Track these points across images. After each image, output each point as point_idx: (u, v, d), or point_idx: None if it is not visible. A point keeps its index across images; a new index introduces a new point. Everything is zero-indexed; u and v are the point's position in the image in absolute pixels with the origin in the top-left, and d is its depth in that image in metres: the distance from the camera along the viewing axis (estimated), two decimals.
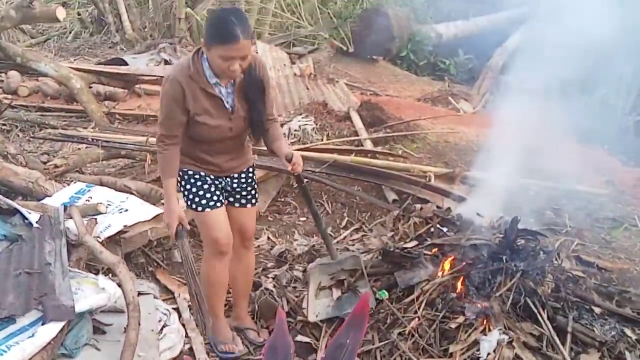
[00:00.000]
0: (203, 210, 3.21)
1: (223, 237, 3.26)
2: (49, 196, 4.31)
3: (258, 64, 3.11)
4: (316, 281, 3.63)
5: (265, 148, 3.39)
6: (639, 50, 6.59)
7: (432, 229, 4.07)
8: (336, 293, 3.64)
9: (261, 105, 3.15)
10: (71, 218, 3.68)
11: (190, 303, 3.53)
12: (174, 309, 3.68)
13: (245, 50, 2.88)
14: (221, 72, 2.94)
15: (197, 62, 2.96)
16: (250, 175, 3.38)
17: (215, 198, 3.23)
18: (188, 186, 3.20)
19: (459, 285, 3.46)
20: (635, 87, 7.84)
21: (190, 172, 3.19)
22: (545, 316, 3.36)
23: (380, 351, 3.24)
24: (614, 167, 6.49)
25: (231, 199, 3.36)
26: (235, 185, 3.32)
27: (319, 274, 3.65)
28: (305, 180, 3.41)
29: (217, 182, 3.26)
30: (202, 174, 3.20)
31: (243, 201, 3.37)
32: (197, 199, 3.20)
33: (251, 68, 3.01)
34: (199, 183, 3.19)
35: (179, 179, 3.19)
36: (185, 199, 3.24)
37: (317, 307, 3.59)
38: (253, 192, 3.41)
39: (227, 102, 3.08)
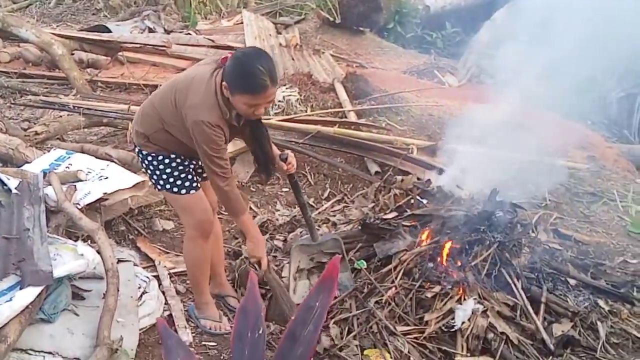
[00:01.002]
0: (187, 192, 3.18)
1: (210, 218, 3.29)
2: (29, 163, 4.30)
3: None
4: (296, 261, 3.68)
5: None
6: (624, 28, 6.62)
7: (412, 201, 4.11)
8: (314, 278, 3.68)
9: (262, 130, 3.16)
10: (50, 185, 3.69)
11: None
12: (154, 276, 3.72)
13: (272, 96, 2.89)
14: (245, 115, 2.93)
15: (221, 103, 2.88)
16: None
17: (195, 180, 3.22)
18: (168, 170, 3.14)
19: (444, 254, 3.50)
20: (620, 64, 7.86)
21: (171, 157, 3.13)
22: (519, 286, 3.43)
23: (357, 319, 3.29)
24: (597, 142, 6.54)
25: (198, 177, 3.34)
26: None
27: (299, 254, 3.70)
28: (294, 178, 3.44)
29: (192, 165, 3.25)
30: (182, 158, 3.16)
31: (204, 174, 3.33)
32: (179, 182, 3.16)
33: None
34: (180, 167, 3.15)
35: (156, 163, 3.14)
36: (164, 182, 3.17)
37: (299, 289, 3.63)
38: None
39: (238, 127, 3.09)
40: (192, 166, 3.24)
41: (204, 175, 3.31)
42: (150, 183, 3.29)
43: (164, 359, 1.61)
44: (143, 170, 3.29)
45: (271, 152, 3.23)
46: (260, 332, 1.58)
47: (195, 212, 3.24)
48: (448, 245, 3.52)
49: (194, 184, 3.20)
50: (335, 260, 1.60)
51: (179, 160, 3.14)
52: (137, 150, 3.21)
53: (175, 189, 3.17)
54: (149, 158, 3.14)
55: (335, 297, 3.39)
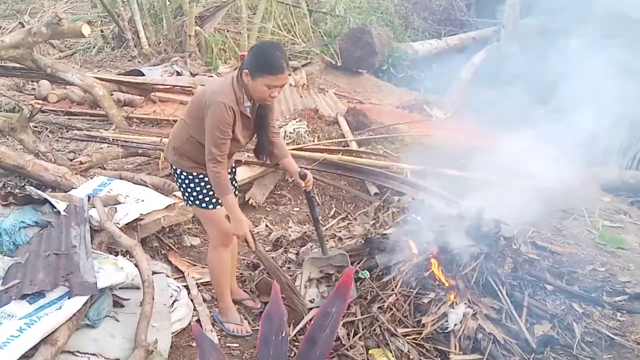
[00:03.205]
0: (214, 207, 3.17)
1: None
2: (75, 188, 4.30)
3: None
4: (307, 271, 3.65)
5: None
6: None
7: (407, 218, 4.08)
8: (323, 287, 3.65)
9: (267, 121, 3.16)
10: (94, 207, 3.68)
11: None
12: (184, 286, 3.68)
13: (286, 79, 2.92)
14: (261, 98, 2.93)
15: (236, 89, 2.91)
16: (234, 170, 3.45)
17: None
18: (198, 188, 3.14)
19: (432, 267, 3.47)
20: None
21: (201, 175, 3.12)
22: (504, 292, 3.39)
23: (362, 322, 3.25)
24: (567, 165, 6.51)
25: None
26: None
27: (310, 266, 3.67)
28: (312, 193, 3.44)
29: None
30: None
31: None
32: (207, 199, 3.16)
33: None
34: (208, 186, 3.13)
35: (187, 181, 3.13)
36: (194, 199, 3.16)
37: (309, 295, 3.59)
38: (234, 183, 3.45)
39: (251, 120, 3.08)
40: None
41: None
42: (182, 201, 3.26)
43: (200, 359, 1.58)
44: (177, 186, 3.26)
45: (272, 141, 3.22)
46: (284, 335, 1.55)
47: (220, 224, 3.22)
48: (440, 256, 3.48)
49: (220, 200, 3.18)
50: (349, 271, 1.58)
51: (206, 179, 3.11)
52: (172, 168, 3.22)
53: (203, 204, 3.17)
54: (182, 176, 3.14)
55: None
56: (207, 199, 3.16)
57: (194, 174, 3.12)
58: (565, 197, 5.52)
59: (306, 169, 5.19)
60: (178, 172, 3.16)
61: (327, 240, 4.17)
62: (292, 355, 1.64)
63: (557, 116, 8.06)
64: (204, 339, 1.58)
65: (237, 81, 2.93)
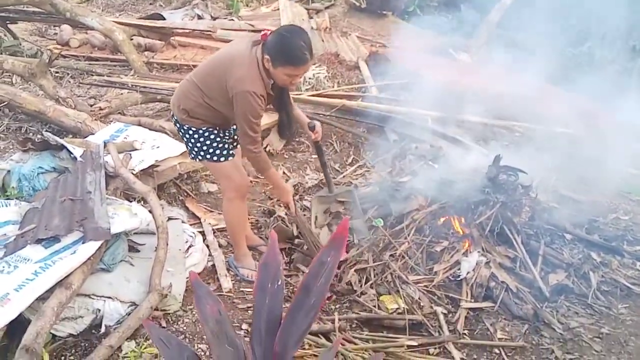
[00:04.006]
0: (226, 160, 3.14)
1: (246, 181, 3.28)
2: (94, 134, 4.33)
3: None
4: (315, 210, 3.67)
5: None
6: (622, 6, 6.33)
7: (424, 165, 4.03)
8: (333, 228, 3.66)
9: (288, 97, 3.12)
10: (109, 153, 3.70)
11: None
12: (199, 232, 3.73)
13: (309, 68, 2.88)
14: (282, 84, 2.90)
15: (263, 74, 2.84)
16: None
17: (230, 148, 3.18)
18: (208, 142, 3.09)
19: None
20: (618, 40, 7.54)
21: (209, 130, 3.08)
22: (519, 241, 3.36)
23: (374, 270, 3.27)
24: (595, 111, 6.30)
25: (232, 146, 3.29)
26: (233, 133, 3.27)
27: (318, 204, 3.68)
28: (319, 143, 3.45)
29: (227, 135, 3.22)
30: (217, 130, 3.12)
31: (235, 143, 3.30)
32: (217, 152, 3.12)
33: None
34: (217, 139, 3.11)
35: (197, 136, 3.08)
36: (204, 154, 3.13)
37: (322, 235, 3.61)
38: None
39: (272, 96, 3.03)
40: (227, 137, 3.20)
41: (237, 145, 3.29)
42: (190, 155, 3.23)
43: (195, 306, 1.60)
44: (184, 142, 3.23)
45: (293, 115, 3.20)
46: (279, 283, 1.56)
47: (234, 177, 3.21)
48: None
49: (231, 152, 3.17)
50: (344, 222, 1.56)
51: (216, 132, 3.10)
52: (178, 125, 3.15)
53: (215, 158, 3.13)
54: (190, 132, 3.09)
55: (349, 244, 3.39)
56: (217, 152, 3.13)
57: (203, 128, 3.07)
58: (591, 143, 5.38)
59: (325, 115, 5.17)
60: (185, 128, 3.10)
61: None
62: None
63: (589, 60, 7.78)
64: (200, 286, 1.60)
65: (263, 65, 2.84)
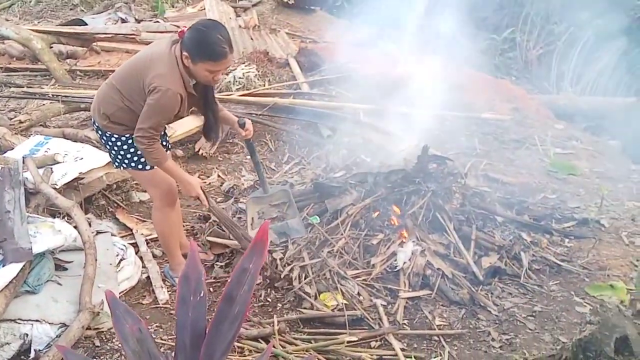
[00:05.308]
0: (144, 168, 3.04)
1: (173, 187, 3.15)
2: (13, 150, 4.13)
3: None
4: (251, 212, 3.62)
5: None
6: None
7: (357, 160, 4.05)
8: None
9: (213, 96, 3.04)
10: (29, 169, 3.54)
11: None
12: (132, 244, 3.62)
13: (230, 62, 2.79)
14: (204, 81, 2.82)
15: (182, 72, 2.76)
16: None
17: None
18: (132, 149, 2.98)
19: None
20: (538, 25, 7.82)
21: (124, 137, 2.96)
22: (452, 227, 3.42)
23: (312, 267, 3.25)
24: (520, 95, 6.52)
25: None
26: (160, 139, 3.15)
27: (253, 205, 3.64)
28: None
29: None
30: None
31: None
32: (135, 158, 3.01)
33: None
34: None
35: (120, 144, 2.97)
36: (128, 161, 3.02)
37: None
38: (167, 137, 3.31)
39: (196, 96, 2.93)
40: None
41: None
42: (114, 163, 3.11)
43: (114, 326, 1.54)
44: (107, 150, 3.11)
45: (219, 116, 3.11)
46: (202, 295, 1.52)
47: (160, 184, 3.11)
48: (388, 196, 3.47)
49: None
50: (264, 225, 1.53)
51: None
52: (100, 132, 3.02)
53: (140, 166, 3.03)
54: (113, 139, 2.97)
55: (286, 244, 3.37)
56: (142, 159, 3.01)
57: (127, 136, 2.96)
58: (517, 126, 5.56)
59: (257, 114, 5.12)
60: (108, 135, 2.98)
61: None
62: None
63: (511, 46, 8.05)
64: (117, 305, 1.54)
65: (182, 64, 2.76)
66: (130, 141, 2.97)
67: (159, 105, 2.74)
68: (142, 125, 2.79)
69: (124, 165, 3.05)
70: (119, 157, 3.03)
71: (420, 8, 8.95)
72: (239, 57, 6.43)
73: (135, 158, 3.02)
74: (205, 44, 2.69)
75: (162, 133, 3.12)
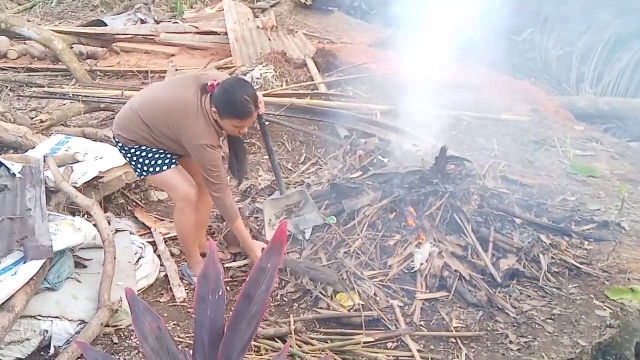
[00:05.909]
0: (168, 167, 3.08)
1: (192, 189, 3.16)
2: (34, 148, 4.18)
3: None
4: (268, 214, 3.63)
5: None
6: None
7: (374, 160, 4.04)
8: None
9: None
10: (50, 168, 3.58)
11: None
12: (150, 242, 3.65)
13: (254, 118, 3.01)
14: (231, 133, 3.03)
15: (214, 125, 2.93)
16: None
17: (169, 156, 3.09)
18: (145, 154, 3.04)
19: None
20: (557, 26, 7.74)
21: (144, 147, 3.04)
22: (469, 229, 3.39)
23: (329, 268, 3.24)
24: (539, 96, 6.46)
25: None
26: None
27: (270, 208, 3.64)
28: (266, 121, 3.38)
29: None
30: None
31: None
32: (159, 162, 3.06)
33: None
34: (154, 149, 3.05)
35: (135, 152, 3.04)
36: (147, 167, 3.06)
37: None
38: None
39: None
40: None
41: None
42: (135, 173, 3.16)
43: (133, 324, 1.55)
44: (127, 161, 3.16)
45: (246, 157, 3.31)
46: (220, 294, 1.53)
47: (179, 185, 3.13)
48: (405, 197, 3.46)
49: (173, 160, 3.10)
50: (282, 226, 1.53)
51: (150, 147, 3.06)
52: (119, 145, 3.09)
53: (157, 169, 3.06)
54: (132, 150, 3.04)
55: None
56: (159, 161, 3.06)
57: (135, 147, 3.04)
58: (537, 128, 5.51)
59: (274, 115, 5.14)
60: (127, 148, 3.06)
61: (294, 188, 4.14)
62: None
63: (531, 46, 7.97)
64: (137, 303, 1.55)
65: (210, 116, 2.91)
66: (143, 147, 3.04)
67: (205, 161, 2.93)
68: (205, 181, 3.00)
69: (144, 174, 3.10)
70: (138, 166, 3.09)
71: (437, 9, 8.93)
72: (257, 57, 6.46)
73: (152, 162, 3.06)
74: (232, 103, 2.87)
75: None
